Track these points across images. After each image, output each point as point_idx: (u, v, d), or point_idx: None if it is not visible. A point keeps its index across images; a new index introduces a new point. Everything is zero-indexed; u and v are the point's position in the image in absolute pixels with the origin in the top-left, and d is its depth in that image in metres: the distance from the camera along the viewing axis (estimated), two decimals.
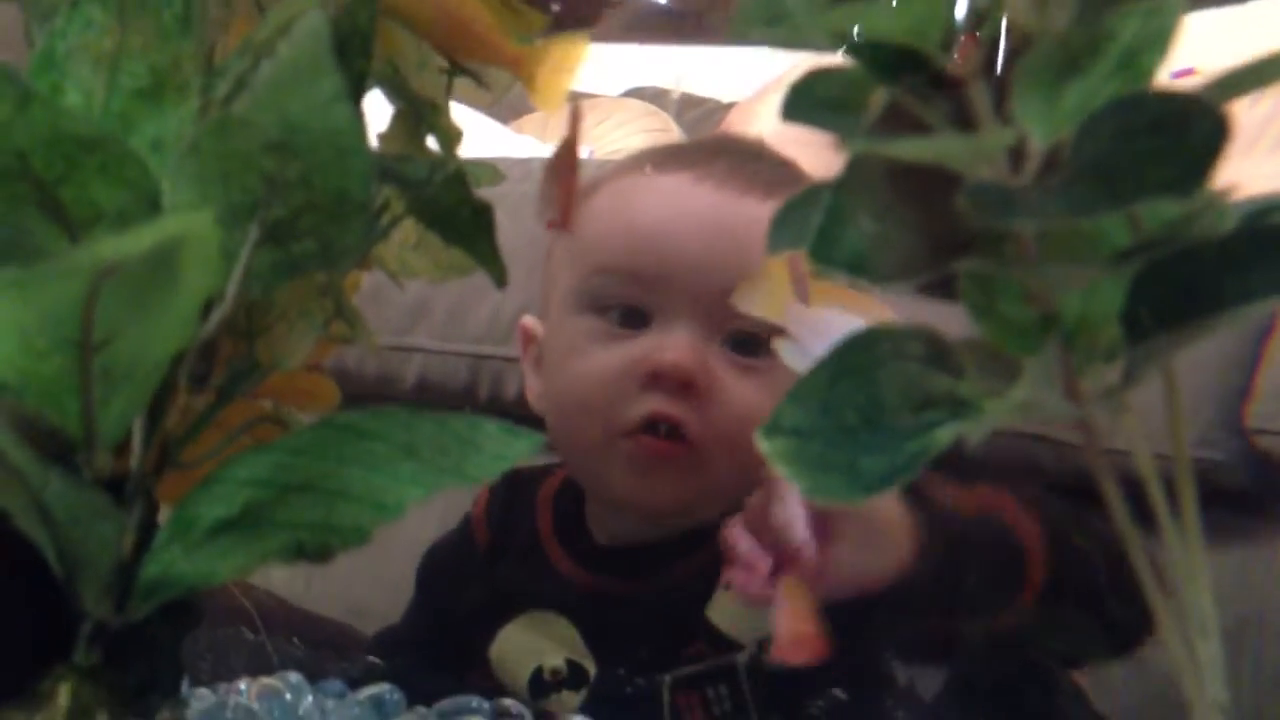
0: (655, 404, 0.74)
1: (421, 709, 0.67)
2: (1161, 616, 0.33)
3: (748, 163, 0.83)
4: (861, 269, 0.31)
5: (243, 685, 0.65)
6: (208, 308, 0.35)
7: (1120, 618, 0.63)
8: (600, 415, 0.75)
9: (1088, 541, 0.64)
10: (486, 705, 0.67)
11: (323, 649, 0.84)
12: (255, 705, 0.60)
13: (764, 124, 2.21)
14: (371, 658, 0.88)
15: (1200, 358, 1.01)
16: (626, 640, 0.77)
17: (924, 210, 0.29)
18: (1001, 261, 0.27)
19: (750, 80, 2.36)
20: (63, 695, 0.34)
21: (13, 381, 0.32)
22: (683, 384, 0.73)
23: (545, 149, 2.01)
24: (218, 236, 0.29)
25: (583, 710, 0.75)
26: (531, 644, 0.79)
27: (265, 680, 0.66)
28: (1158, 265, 0.29)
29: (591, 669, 0.78)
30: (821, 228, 0.31)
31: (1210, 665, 0.32)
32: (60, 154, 0.31)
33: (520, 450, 0.41)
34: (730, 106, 2.41)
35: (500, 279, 0.46)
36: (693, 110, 2.66)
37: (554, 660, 0.79)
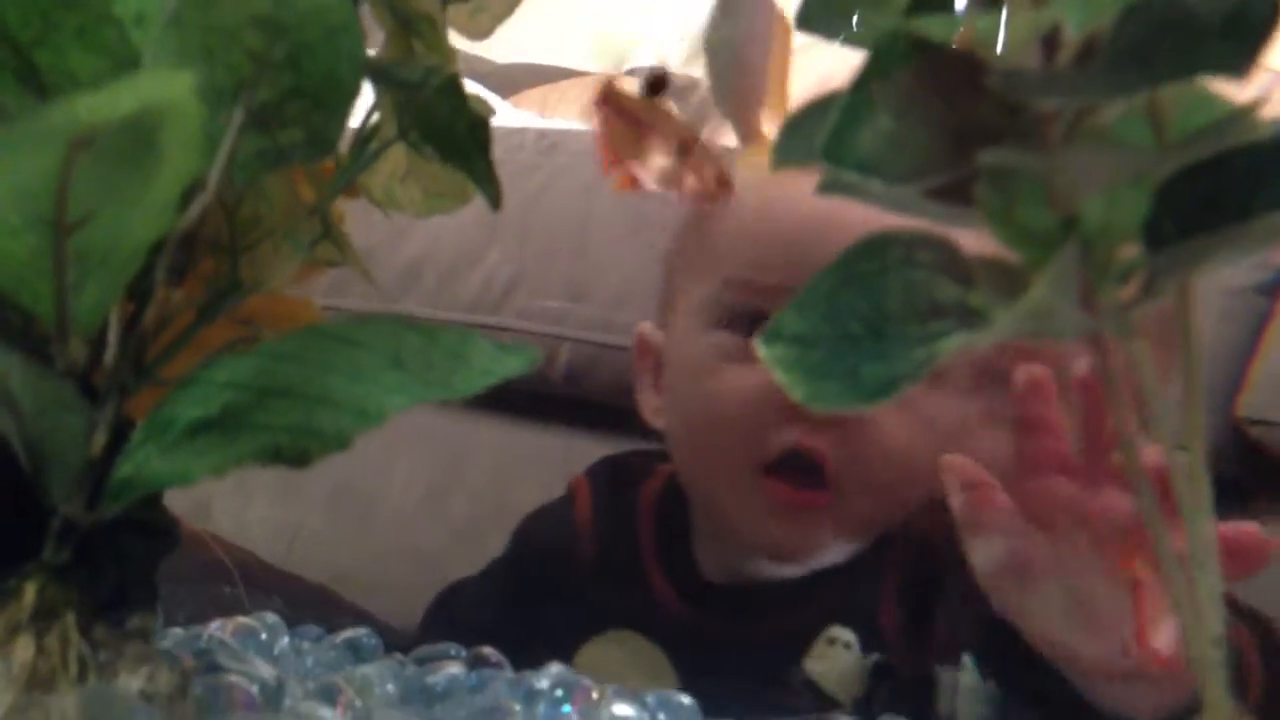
0: (797, 435, 0.68)
1: (399, 655, 0.66)
2: (1161, 549, 0.31)
3: None
4: (875, 169, 0.29)
5: (216, 624, 0.64)
6: (188, 198, 0.34)
7: None
8: (737, 445, 0.70)
9: None
10: (464, 652, 0.66)
11: (302, 609, 0.83)
12: (230, 640, 0.59)
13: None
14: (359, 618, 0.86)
15: None
16: (721, 682, 0.72)
17: (946, 108, 0.28)
18: (1026, 154, 0.25)
19: None
20: (29, 593, 0.33)
21: None
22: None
23: (542, 123, 2.00)
24: (201, 110, 0.28)
25: None
26: (619, 664, 0.75)
27: (241, 619, 0.65)
28: (1185, 174, 0.27)
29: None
30: (835, 126, 0.30)
31: (1209, 598, 0.31)
32: (37, 12, 0.29)
33: (512, 367, 0.40)
34: None
35: (495, 200, 0.44)
36: (694, 94, 2.65)
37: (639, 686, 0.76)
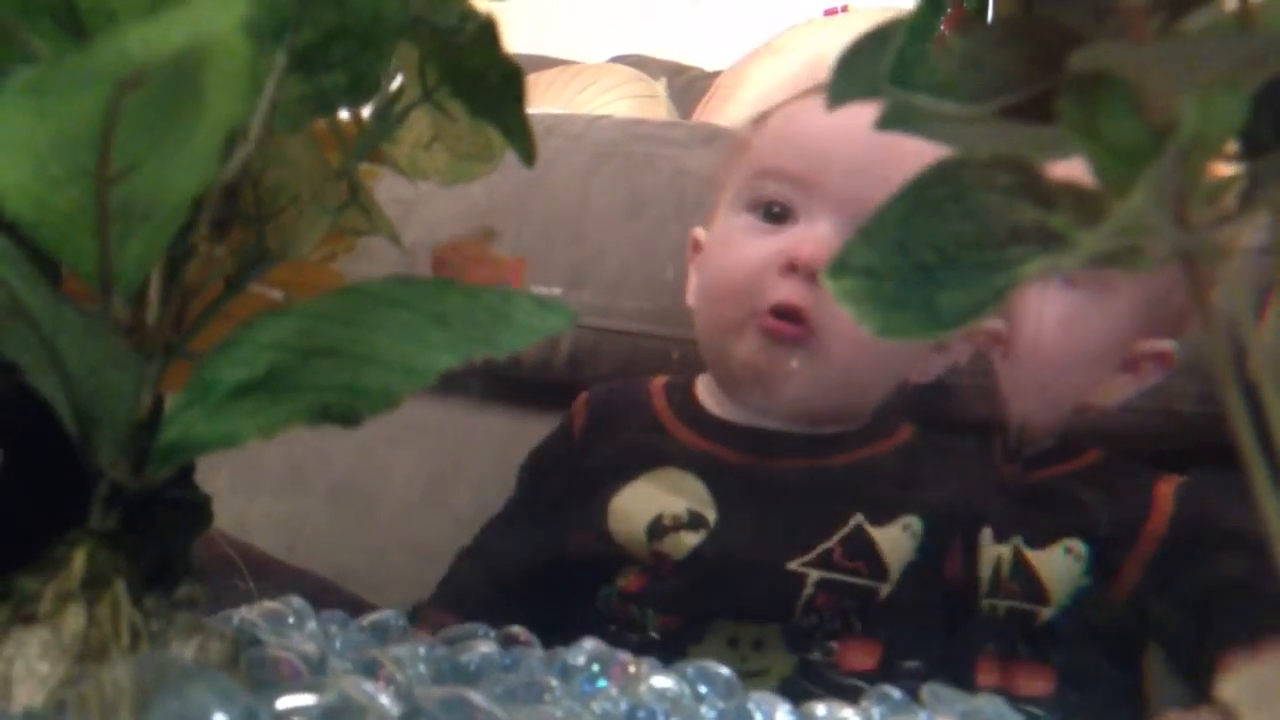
0: (786, 291, 0.81)
1: (428, 636, 0.65)
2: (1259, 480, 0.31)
3: None
4: (947, 90, 0.28)
5: (243, 611, 0.63)
6: (229, 149, 0.33)
7: None
8: (741, 297, 0.84)
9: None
10: (493, 632, 0.65)
11: (311, 603, 0.82)
12: (260, 623, 0.58)
13: (754, 88, 2.18)
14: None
15: None
16: (757, 512, 0.83)
17: (1022, 19, 0.27)
18: (1125, 50, 0.24)
19: (735, 47, 2.35)
20: (78, 561, 0.32)
21: (26, 214, 0.29)
22: (812, 275, 0.81)
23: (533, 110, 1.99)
24: (247, 47, 0.27)
25: (703, 558, 0.81)
26: (655, 495, 0.85)
27: (268, 604, 0.64)
28: None
29: (712, 517, 0.83)
30: (901, 50, 0.29)
31: None
32: None
33: (553, 323, 0.39)
34: (715, 75, 2.39)
35: (528, 155, 0.43)
36: (679, 77, 2.64)
37: (675, 508, 0.84)
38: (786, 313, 0.82)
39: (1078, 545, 0.82)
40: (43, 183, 0.29)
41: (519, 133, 0.42)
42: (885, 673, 0.78)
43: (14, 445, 0.34)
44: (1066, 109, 0.26)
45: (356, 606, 0.97)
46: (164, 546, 0.37)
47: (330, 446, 1.33)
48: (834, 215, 0.83)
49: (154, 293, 0.33)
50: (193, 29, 0.25)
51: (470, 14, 0.36)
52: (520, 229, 1.36)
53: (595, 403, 0.95)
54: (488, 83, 0.40)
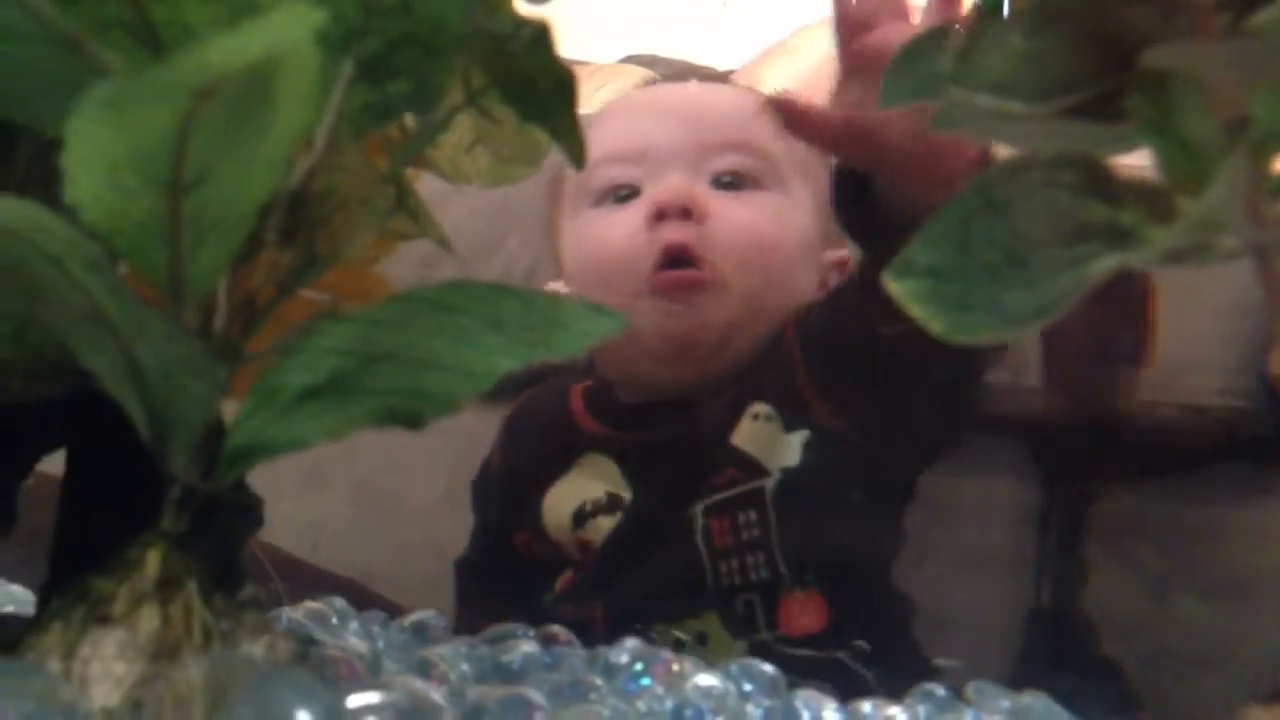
0: (668, 233, 0.81)
1: (467, 636, 0.65)
2: None
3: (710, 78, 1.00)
4: (1010, 90, 0.28)
5: (288, 611, 0.63)
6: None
7: None
8: (621, 270, 0.82)
9: None
10: (532, 631, 0.66)
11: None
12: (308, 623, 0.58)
13: (768, 88, 2.18)
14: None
15: (1222, 304, 0.99)
16: (660, 477, 0.83)
17: (1088, 18, 0.27)
18: (1199, 48, 0.24)
19: (748, 46, 2.34)
20: (151, 562, 0.32)
21: (101, 224, 0.29)
22: (682, 211, 0.81)
23: None
24: (318, 56, 0.27)
25: (620, 538, 0.81)
26: (578, 486, 0.85)
27: (310, 604, 0.64)
28: None
29: (627, 498, 0.83)
30: (964, 48, 0.29)
31: None
32: None
33: (605, 328, 0.39)
34: (727, 74, 2.39)
35: (579, 158, 0.43)
36: (690, 77, 2.64)
37: (594, 494, 0.85)
38: (676, 257, 0.81)
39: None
40: (118, 193, 0.29)
41: (570, 135, 0.43)
42: (835, 630, 0.77)
43: (81, 448, 0.34)
44: (1137, 106, 0.26)
45: (380, 607, 0.98)
46: (229, 546, 0.37)
47: (351, 447, 1.33)
48: (679, 167, 0.83)
49: (222, 298, 0.34)
50: (270, 39, 0.26)
51: (523, 21, 0.37)
52: (539, 228, 1.36)
53: (512, 418, 0.94)
54: (539, 88, 0.41)
